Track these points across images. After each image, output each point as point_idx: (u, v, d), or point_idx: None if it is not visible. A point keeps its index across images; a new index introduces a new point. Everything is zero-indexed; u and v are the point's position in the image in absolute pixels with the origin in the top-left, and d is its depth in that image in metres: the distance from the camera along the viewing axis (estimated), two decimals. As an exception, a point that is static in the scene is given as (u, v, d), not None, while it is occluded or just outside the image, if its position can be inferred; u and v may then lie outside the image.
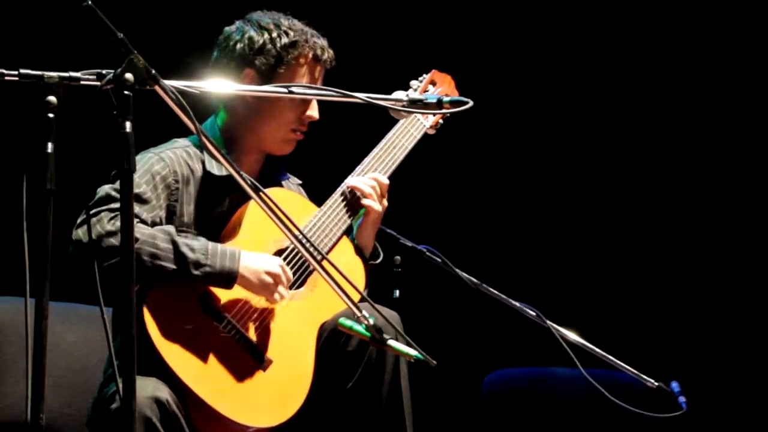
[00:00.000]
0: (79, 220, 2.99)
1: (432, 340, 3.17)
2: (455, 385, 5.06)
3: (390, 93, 3.09)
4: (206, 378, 3.00)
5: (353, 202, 3.34)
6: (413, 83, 3.56)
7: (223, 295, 3.09)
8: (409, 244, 3.60)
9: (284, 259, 3.18)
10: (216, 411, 2.98)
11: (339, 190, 3.33)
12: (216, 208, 3.25)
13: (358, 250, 3.34)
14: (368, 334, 2.83)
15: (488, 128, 5.20)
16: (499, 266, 4.80)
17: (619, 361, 3.71)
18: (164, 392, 2.91)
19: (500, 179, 5.38)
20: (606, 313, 5.23)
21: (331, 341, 3.15)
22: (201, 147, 3.26)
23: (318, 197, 3.37)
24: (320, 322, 3.18)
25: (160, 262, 2.99)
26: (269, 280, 3.08)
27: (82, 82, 2.35)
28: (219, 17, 3.43)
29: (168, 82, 2.41)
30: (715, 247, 5.34)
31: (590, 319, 4.66)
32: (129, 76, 2.31)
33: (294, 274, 3.20)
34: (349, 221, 3.32)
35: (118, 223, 2.95)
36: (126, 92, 2.30)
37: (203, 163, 3.25)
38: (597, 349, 3.69)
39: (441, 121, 3.54)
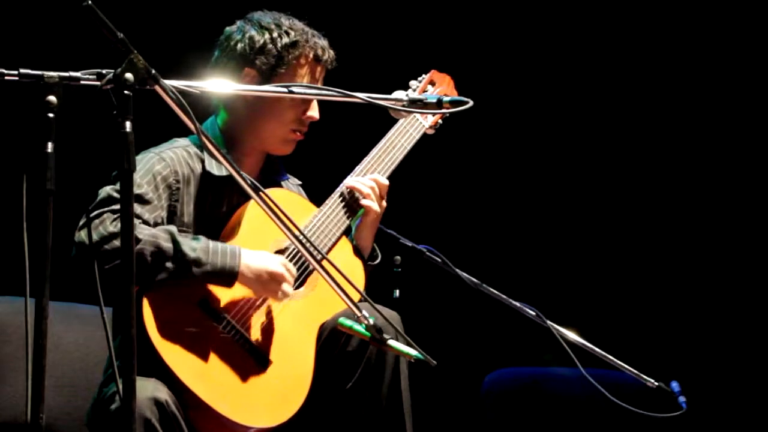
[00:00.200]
0: (81, 222, 2.98)
1: (432, 340, 3.17)
2: (455, 385, 5.06)
3: (390, 93, 3.09)
4: (206, 378, 2.99)
5: (352, 203, 3.33)
6: (412, 83, 3.55)
7: (223, 295, 3.09)
8: (409, 244, 3.60)
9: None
10: (216, 411, 2.97)
11: (338, 191, 3.33)
12: (216, 208, 3.24)
13: (357, 251, 3.34)
14: (368, 334, 2.83)
15: (488, 128, 5.20)
16: (499, 266, 4.80)
17: (619, 361, 3.71)
18: (163, 393, 2.90)
19: (500, 179, 5.38)
20: (606, 313, 5.24)
21: (331, 341, 3.15)
22: (201, 147, 3.26)
23: (318, 197, 3.37)
24: (320, 322, 3.17)
25: (162, 262, 2.98)
26: (270, 278, 3.08)
27: (82, 82, 2.35)
28: (219, 17, 3.43)
29: (168, 82, 2.41)
30: (715, 247, 5.34)
31: (590, 319, 4.67)
32: (129, 75, 2.31)
33: (294, 274, 3.20)
34: (348, 222, 3.32)
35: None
36: (126, 92, 2.30)
37: (203, 162, 3.25)
38: (597, 349, 3.69)
39: (440, 121, 3.53)
